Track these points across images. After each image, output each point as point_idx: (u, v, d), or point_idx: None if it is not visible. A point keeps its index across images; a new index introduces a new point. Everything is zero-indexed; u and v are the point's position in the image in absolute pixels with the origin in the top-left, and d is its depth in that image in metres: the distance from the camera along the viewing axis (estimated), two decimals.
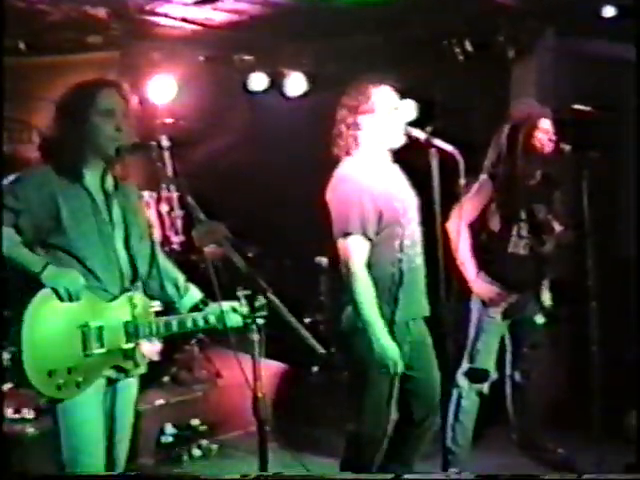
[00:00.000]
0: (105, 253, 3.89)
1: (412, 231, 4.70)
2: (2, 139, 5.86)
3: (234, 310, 4.01)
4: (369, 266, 4.56)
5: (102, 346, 3.80)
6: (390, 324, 4.57)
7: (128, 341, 3.89)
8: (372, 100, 4.62)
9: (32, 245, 3.79)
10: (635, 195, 6.77)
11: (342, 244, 4.55)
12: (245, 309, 3.90)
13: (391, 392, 4.65)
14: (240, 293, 3.91)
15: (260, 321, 3.73)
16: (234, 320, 4.02)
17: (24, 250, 3.76)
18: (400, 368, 4.53)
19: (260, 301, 3.73)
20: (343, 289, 4.60)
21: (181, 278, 4.29)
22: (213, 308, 4.10)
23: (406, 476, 3.93)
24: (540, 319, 5.90)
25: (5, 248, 3.68)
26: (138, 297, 3.95)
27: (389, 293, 4.60)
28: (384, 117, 4.62)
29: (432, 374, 4.81)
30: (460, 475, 5.47)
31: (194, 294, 4.27)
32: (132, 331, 3.90)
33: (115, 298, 3.89)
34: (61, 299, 3.72)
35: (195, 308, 4.19)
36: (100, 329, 3.80)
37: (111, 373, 3.89)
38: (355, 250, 4.52)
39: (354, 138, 4.65)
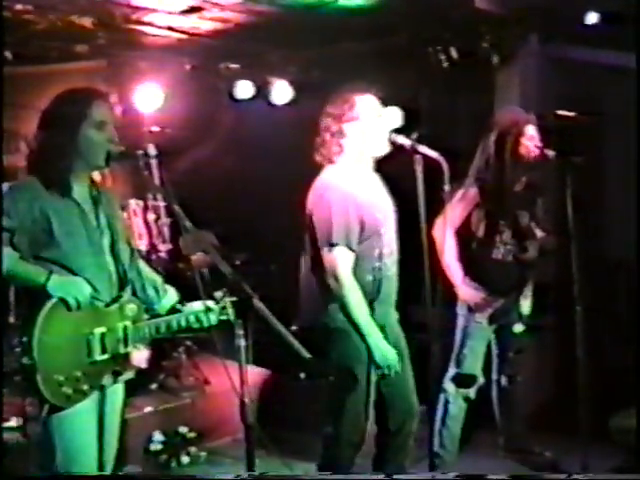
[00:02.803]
0: (97, 262, 3.92)
1: (390, 240, 4.73)
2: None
3: (208, 309, 4.06)
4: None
5: (105, 352, 3.84)
6: None
7: (125, 346, 3.92)
8: (356, 108, 4.62)
9: (27, 260, 3.79)
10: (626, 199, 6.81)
11: (327, 255, 4.54)
12: (217, 308, 4.00)
13: (369, 395, 4.66)
14: (216, 293, 3.97)
15: (224, 318, 3.94)
16: (210, 319, 4.09)
17: (25, 264, 3.77)
18: (397, 368, 4.58)
19: (225, 301, 3.91)
20: (321, 293, 4.63)
21: (159, 280, 4.34)
22: (190, 309, 4.15)
23: (396, 476, 3.96)
24: (519, 328, 5.92)
25: (7, 266, 3.70)
26: (131, 302, 3.99)
27: (366, 300, 4.61)
28: (368, 125, 4.63)
29: (406, 379, 4.84)
30: (448, 475, 5.51)
31: (172, 296, 4.32)
32: (129, 335, 3.92)
33: (109, 304, 3.91)
34: (69, 308, 3.75)
35: (172, 310, 4.23)
36: (103, 336, 3.83)
37: (108, 379, 3.92)
38: (341, 260, 4.52)
39: (338, 146, 4.65)
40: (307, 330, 4.81)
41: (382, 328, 4.64)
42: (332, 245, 4.52)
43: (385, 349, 4.55)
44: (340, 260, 4.52)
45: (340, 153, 4.67)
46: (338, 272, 4.52)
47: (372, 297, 4.62)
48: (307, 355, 3.61)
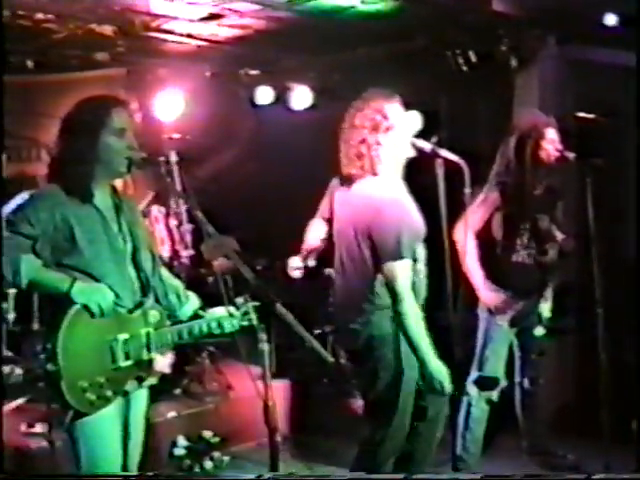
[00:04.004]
0: (119, 269, 3.93)
1: (421, 244, 4.73)
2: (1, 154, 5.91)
3: (230, 315, 4.09)
4: None
5: (128, 359, 3.85)
6: None
7: (148, 352, 3.94)
8: (390, 117, 4.57)
9: (49, 267, 3.80)
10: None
11: (391, 266, 4.46)
12: (239, 314, 4.03)
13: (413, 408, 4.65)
14: (238, 299, 4.00)
15: (246, 324, 3.96)
16: (231, 325, 4.11)
17: (48, 272, 3.78)
18: (448, 388, 4.51)
19: (248, 306, 3.93)
20: (368, 301, 4.59)
21: (181, 287, 4.36)
22: (212, 314, 4.17)
23: (416, 476, 3.96)
24: (539, 331, 5.91)
25: (30, 274, 3.72)
26: (153, 308, 4.01)
27: None
28: (401, 132, 4.60)
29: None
30: (468, 475, 5.52)
31: (194, 302, 4.34)
32: (152, 341, 3.94)
33: (132, 311, 3.93)
34: (92, 315, 3.77)
35: (194, 316, 4.25)
36: (126, 342, 3.85)
37: (132, 385, 3.94)
38: (404, 273, 4.47)
39: (378, 157, 4.57)
40: (342, 336, 4.82)
41: None
42: (401, 258, 4.45)
43: (437, 365, 4.48)
44: (402, 272, 4.46)
45: (379, 164, 4.59)
46: (398, 284, 4.46)
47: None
48: (330, 359, 3.62)
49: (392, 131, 4.58)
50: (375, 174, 4.61)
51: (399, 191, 4.60)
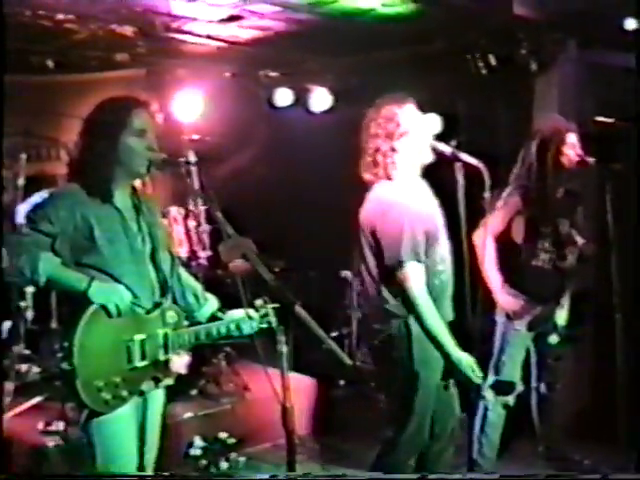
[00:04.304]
0: (137, 269, 3.94)
1: (444, 245, 4.70)
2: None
3: (249, 317, 4.09)
4: None
5: (144, 359, 3.86)
6: None
7: (165, 353, 3.95)
8: (402, 123, 4.58)
9: (68, 266, 3.82)
10: None
11: (398, 271, 4.50)
12: (258, 316, 4.03)
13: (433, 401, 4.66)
14: (258, 301, 4.00)
15: (264, 326, 3.97)
16: (249, 327, 4.12)
17: (66, 270, 3.80)
18: (478, 374, 4.57)
19: (267, 308, 3.94)
20: (385, 304, 4.61)
21: (199, 288, 4.37)
22: (230, 316, 4.18)
23: (431, 476, 3.96)
24: (554, 339, 5.89)
25: (48, 272, 3.74)
26: (171, 309, 4.02)
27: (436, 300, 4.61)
28: (416, 136, 4.60)
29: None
30: (485, 476, 5.51)
31: (212, 303, 4.34)
32: (169, 342, 3.95)
33: (150, 311, 3.94)
34: (110, 315, 3.78)
35: (212, 317, 4.26)
36: (143, 342, 3.86)
37: (148, 385, 3.94)
38: (413, 276, 4.48)
39: (393, 163, 4.60)
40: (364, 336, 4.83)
41: None
42: (403, 261, 4.48)
43: (462, 356, 4.52)
44: (411, 275, 4.48)
45: (395, 169, 4.61)
46: (409, 287, 4.48)
47: (436, 297, 4.59)
48: (349, 362, 3.63)
49: (406, 136, 4.59)
50: (390, 179, 4.64)
51: (408, 194, 4.60)
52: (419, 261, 4.50)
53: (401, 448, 4.70)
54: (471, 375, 4.54)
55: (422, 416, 4.63)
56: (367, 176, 4.69)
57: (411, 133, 4.60)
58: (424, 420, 4.65)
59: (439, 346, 4.51)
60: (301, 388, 6.92)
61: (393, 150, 4.59)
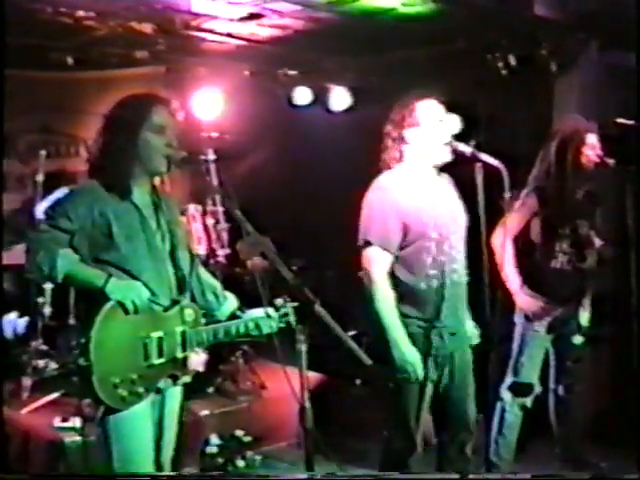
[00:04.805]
0: (155, 266, 3.95)
1: (451, 247, 4.69)
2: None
3: (268, 316, 4.10)
4: (398, 278, 4.62)
5: (161, 356, 3.87)
6: (426, 335, 4.62)
7: (183, 350, 3.95)
8: (416, 113, 4.62)
9: (86, 262, 3.84)
10: None
11: (364, 252, 4.63)
12: (277, 315, 4.04)
13: (421, 400, 4.66)
14: (277, 300, 4.00)
15: (283, 326, 4.01)
16: (269, 326, 4.13)
17: (84, 267, 3.81)
18: (420, 374, 4.55)
19: (287, 307, 3.97)
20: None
21: (219, 286, 4.37)
22: (249, 315, 4.20)
23: (471, 476, 3.96)
24: (578, 339, 5.86)
25: (66, 268, 3.75)
26: (189, 307, 4.02)
27: (424, 306, 4.63)
28: (429, 130, 4.61)
29: (468, 387, 4.83)
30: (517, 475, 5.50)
31: (232, 302, 4.36)
32: (187, 340, 3.96)
33: (167, 309, 3.95)
34: (127, 311, 3.78)
35: (232, 316, 4.26)
36: (160, 340, 3.86)
37: (165, 383, 3.95)
38: (375, 260, 4.60)
39: (398, 152, 4.67)
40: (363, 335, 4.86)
41: (452, 335, 4.67)
42: (367, 243, 4.60)
43: (405, 350, 4.53)
44: (373, 258, 4.59)
45: (400, 159, 4.68)
46: (370, 269, 4.60)
47: (436, 305, 4.61)
48: (368, 361, 3.62)
49: (416, 128, 4.63)
50: (390, 167, 4.70)
51: (399, 183, 4.65)
52: (385, 249, 4.58)
53: (392, 448, 4.78)
54: (409, 370, 4.53)
55: (404, 416, 4.67)
56: (380, 164, 4.76)
57: (423, 126, 4.63)
58: (407, 420, 4.67)
59: (387, 334, 4.54)
60: (316, 386, 6.91)
61: (401, 138, 4.65)
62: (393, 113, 4.70)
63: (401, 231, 4.58)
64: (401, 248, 4.62)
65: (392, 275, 4.62)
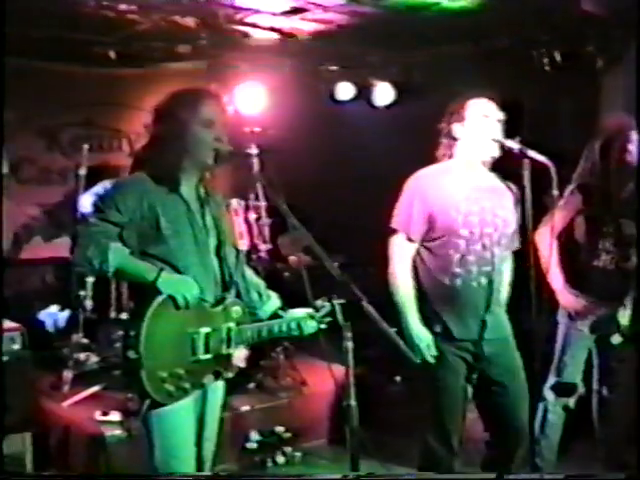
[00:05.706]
0: (202, 262, 3.94)
1: (484, 249, 4.67)
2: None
3: (311, 317, 4.08)
4: (421, 271, 4.69)
5: (208, 352, 3.86)
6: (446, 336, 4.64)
7: (228, 347, 3.94)
8: (464, 110, 4.65)
9: (135, 255, 3.83)
10: None
11: (390, 239, 4.71)
12: (319, 316, 4.01)
13: (465, 398, 4.68)
14: (319, 301, 3.98)
15: (325, 327, 3.98)
16: (310, 327, 4.11)
17: (135, 261, 3.81)
18: (432, 352, 4.57)
19: (333, 304, 3.85)
20: None
21: (262, 285, 4.36)
22: (292, 315, 4.17)
23: (508, 477, 3.93)
24: (617, 339, 5.79)
25: (118, 262, 3.74)
26: (236, 304, 4.00)
27: (441, 304, 4.65)
28: (477, 126, 4.62)
29: (519, 393, 4.78)
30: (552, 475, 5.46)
31: (275, 301, 4.34)
32: (232, 337, 3.94)
33: (215, 305, 3.94)
34: (177, 306, 3.77)
35: (274, 315, 4.25)
36: (207, 335, 3.85)
37: (209, 379, 3.93)
38: (397, 248, 4.68)
39: (448, 148, 4.71)
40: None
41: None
42: (393, 230, 4.68)
43: (416, 331, 4.58)
44: (396, 246, 4.69)
45: (450, 156, 4.72)
46: (391, 257, 4.69)
47: (452, 302, 4.63)
48: (417, 360, 3.59)
49: (462, 123, 4.67)
50: (439, 161, 4.77)
51: (436, 175, 4.69)
52: (409, 237, 4.64)
53: (432, 447, 4.78)
54: (422, 349, 4.55)
55: (446, 415, 4.71)
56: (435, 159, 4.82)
57: (471, 122, 4.65)
58: (449, 419, 4.71)
59: (401, 317, 4.62)
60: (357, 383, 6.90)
61: (450, 134, 4.69)
62: (447, 109, 4.73)
63: (426, 221, 4.63)
64: (430, 240, 4.65)
65: (415, 267, 4.70)
